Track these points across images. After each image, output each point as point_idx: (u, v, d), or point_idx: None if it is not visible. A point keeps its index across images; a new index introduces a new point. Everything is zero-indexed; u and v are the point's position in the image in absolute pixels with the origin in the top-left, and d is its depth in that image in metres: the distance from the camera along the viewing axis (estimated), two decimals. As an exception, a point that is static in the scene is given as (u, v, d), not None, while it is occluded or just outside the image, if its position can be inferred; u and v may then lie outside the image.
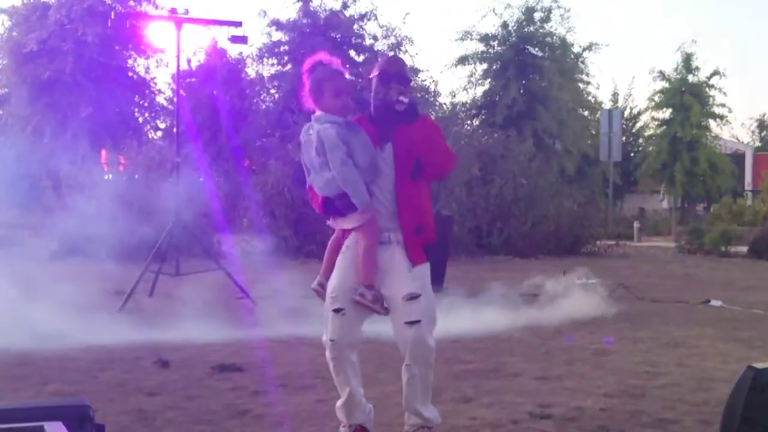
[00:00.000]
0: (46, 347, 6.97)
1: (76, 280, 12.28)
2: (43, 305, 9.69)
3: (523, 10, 30.39)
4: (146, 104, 29.75)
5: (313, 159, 4.28)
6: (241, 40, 11.40)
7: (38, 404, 3.66)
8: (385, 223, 4.33)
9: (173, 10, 10.81)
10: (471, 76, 31.28)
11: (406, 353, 4.29)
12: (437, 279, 11.43)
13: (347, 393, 4.38)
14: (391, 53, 27.06)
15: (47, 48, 26.36)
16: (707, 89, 36.77)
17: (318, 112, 4.30)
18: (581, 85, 33.73)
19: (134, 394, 5.44)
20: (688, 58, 36.70)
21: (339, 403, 4.48)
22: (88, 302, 9.90)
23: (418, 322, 4.24)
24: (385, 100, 4.34)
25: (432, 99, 27.69)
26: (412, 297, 4.25)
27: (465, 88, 31.69)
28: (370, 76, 4.43)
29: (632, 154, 40.24)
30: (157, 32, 11.34)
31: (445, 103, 28.11)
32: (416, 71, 27.86)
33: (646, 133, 41.20)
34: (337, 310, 4.29)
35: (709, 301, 10.55)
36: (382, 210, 4.33)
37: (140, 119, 29.84)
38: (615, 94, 43.47)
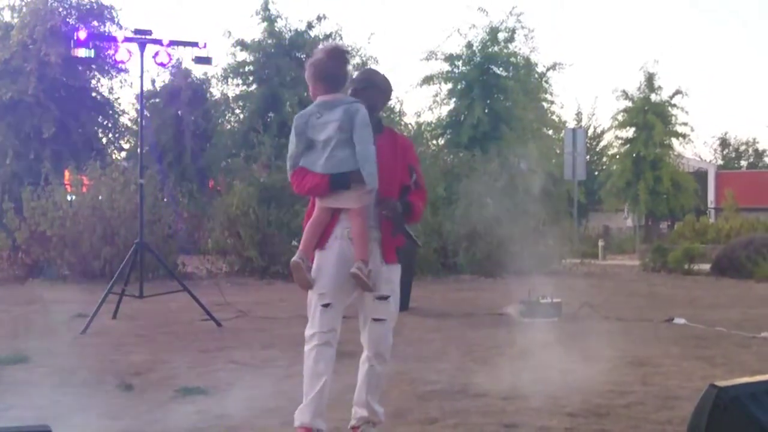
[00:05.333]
0: (7, 371, 6.89)
1: (38, 302, 12.18)
2: (4, 327, 9.58)
3: (487, 30, 30.48)
4: (110, 125, 29.50)
5: (329, 137, 4.44)
6: (206, 60, 11.39)
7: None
8: None
9: (137, 31, 10.78)
10: (436, 95, 31.29)
11: (369, 346, 4.68)
12: (403, 299, 11.55)
13: (320, 384, 4.46)
14: (356, 72, 27.12)
15: (9, 68, 26.12)
16: (670, 108, 37.05)
17: (334, 95, 4.51)
18: (545, 105, 33.88)
19: (97, 418, 5.37)
20: (650, 78, 36.99)
21: (305, 402, 4.51)
22: (51, 325, 9.82)
23: (384, 320, 4.64)
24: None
25: (397, 119, 27.73)
26: (383, 297, 4.60)
27: (430, 108, 31.76)
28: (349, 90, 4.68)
29: (596, 173, 40.49)
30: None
31: (410, 123, 28.09)
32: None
33: (609, 152, 41.45)
34: (326, 305, 4.52)
35: (673, 319, 10.62)
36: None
37: (104, 140, 29.53)
38: (579, 114, 43.83)
